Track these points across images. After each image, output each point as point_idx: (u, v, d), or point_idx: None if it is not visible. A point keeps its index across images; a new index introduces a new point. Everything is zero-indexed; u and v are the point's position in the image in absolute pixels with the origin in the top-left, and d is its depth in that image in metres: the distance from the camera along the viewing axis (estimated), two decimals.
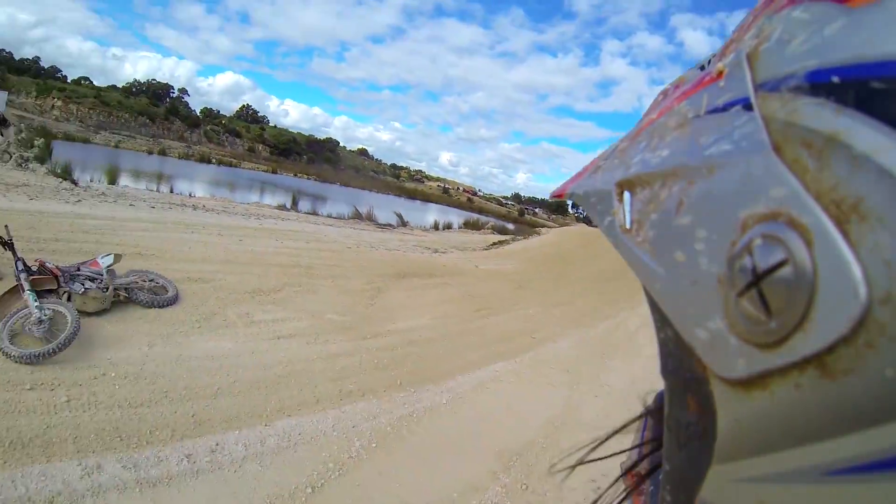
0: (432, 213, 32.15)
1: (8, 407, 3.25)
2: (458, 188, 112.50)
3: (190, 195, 14.59)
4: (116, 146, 33.10)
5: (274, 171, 47.80)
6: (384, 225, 17.67)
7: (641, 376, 5.88)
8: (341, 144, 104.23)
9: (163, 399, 3.74)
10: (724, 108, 0.25)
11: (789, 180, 0.21)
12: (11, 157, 11.67)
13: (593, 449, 0.45)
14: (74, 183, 10.83)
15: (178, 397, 3.80)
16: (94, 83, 73.17)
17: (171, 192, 14.49)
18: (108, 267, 4.94)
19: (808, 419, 0.20)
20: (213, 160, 41.42)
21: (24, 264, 4.31)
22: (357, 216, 17.69)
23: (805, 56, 0.22)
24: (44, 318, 3.98)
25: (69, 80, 71.40)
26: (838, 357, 0.19)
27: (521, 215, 65.11)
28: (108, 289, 4.72)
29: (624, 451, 0.46)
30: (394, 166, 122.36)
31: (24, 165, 11.42)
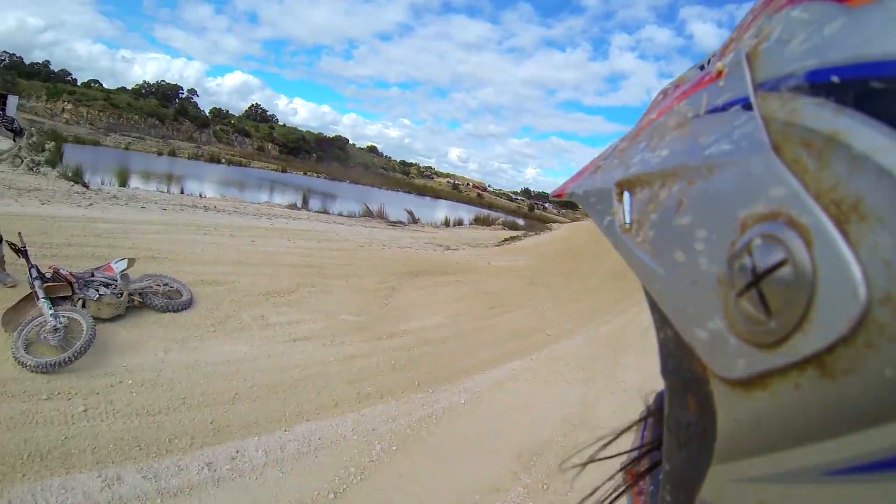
0: (443, 210, 32.19)
1: (25, 418, 3.21)
2: (467, 184, 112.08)
3: (200, 196, 14.61)
4: (126, 148, 33.21)
5: (284, 170, 47.87)
6: (395, 222, 17.60)
7: (656, 373, 5.75)
8: (350, 142, 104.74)
9: (181, 406, 3.69)
10: (724, 108, 0.25)
11: (789, 180, 0.21)
12: (23, 161, 11.69)
13: (603, 447, 0.45)
14: (86, 186, 10.83)
15: (196, 404, 3.76)
16: (104, 85, 73.70)
17: (182, 193, 14.51)
18: (122, 272, 4.90)
19: (807, 419, 0.20)
20: (223, 160, 41.54)
21: (38, 271, 4.28)
22: (368, 214, 17.66)
23: (804, 56, 0.22)
24: (59, 325, 3.93)
25: (79, 83, 71.81)
26: (838, 357, 0.19)
27: (531, 210, 64.69)
28: (122, 294, 4.68)
29: (633, 450, 0.45)
30: (403, 163, 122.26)
31: (35, 169, 11.42)
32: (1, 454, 2.92)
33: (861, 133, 0.19)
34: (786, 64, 0.23)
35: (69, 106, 53.46)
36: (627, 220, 0.30)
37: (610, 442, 0.45)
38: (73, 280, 4.51)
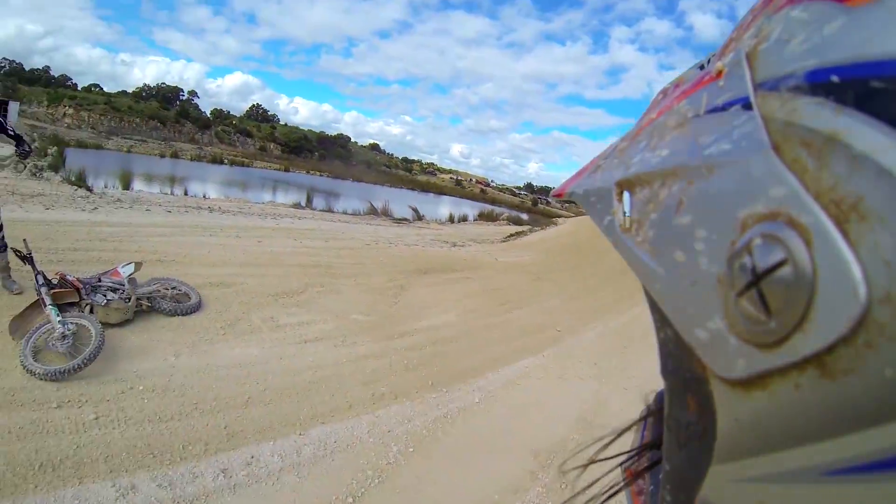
0: (446, 206, 32.11)
1: (35, 427, 3.16)
2: (470, 179, 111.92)
3: (204, 197, 14.55)
4: (129, 151, 33.27)
5: (286, 170, 47.84)
6: (400, 219, 17.53)
7: None
8: (352, 140, 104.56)
9: (193, 411, 3.64)
10: (724, 108, 0.26)
11: (789, 180, 0.21)
12: (26, 167, 11.69)
13: (605, 447, 0.45)
14: (89, 190, 10.79)
15: (209, 409, 3.70)
16: (105, 89, 73.86)
17: (186, 194, 14.44)
18: (129, 276, 4.85)
19: (807, 419, 0.20)
20: (226, 161, 41.59)
21: (45, 278, 4.23)
22: (373, 212, 17.59)
23: (804, 55, 0.22)
24: (67, 332, 3.88)
25: (79, 88, 71.88)
26: (838, 357, 0.19)
27: (534, 205, 64.60)
28: (130, 299, 4.62)
29: (633, 450, 0.45)
30: (405, 160, 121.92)
31: (38, 175, 11.38)
32: (12, 464, 2.87)
33: (861, 133, 0.19)
34: (786, 64, 0.23)
35: (70, 111, 53.56)
36: (627, 220, 0.30)
37: (611, 442, 0.46)
38: (81, 286, 4.47)
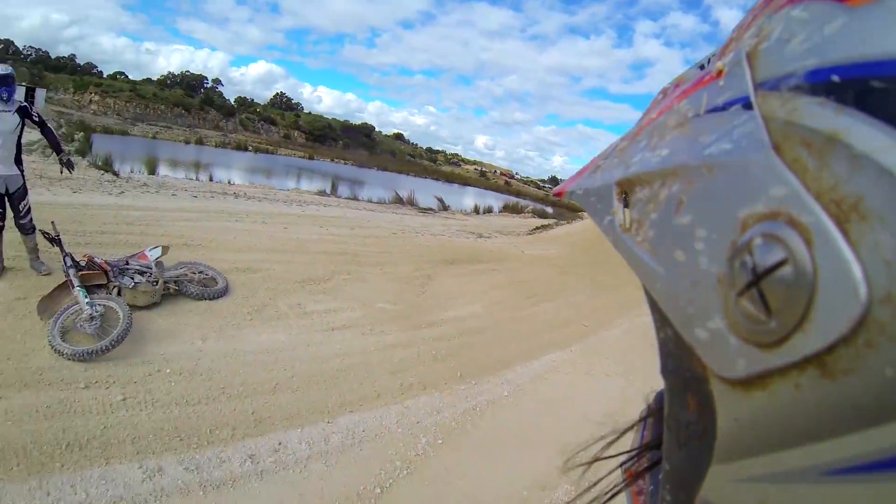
0: (471, 197, 32.05)
1: (63, 407, 3.18)
2: (494, 171, 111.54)
3: (230, 183, 14.71)
4: (154, 137, 33.62)
5: (311, 157, 47.99)
6: (426, 209, 17.53)
7: None
8: (377, 129, 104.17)
9: (220, 396, 3.64)
10: (724, 108, 0.26)
11: (789, 180, 0.21)
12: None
13: (608, 445, 0.45)
14: (116, 174, 10.97)
15: (236, 394, 3.70)
16: (130, 77, 74.56)
17: (211, 180, 14.58)
18: (156, 259, 4.88)
19: (807, 419, 0.20)
20: (250, 148, 41.90)
21: (73, 259, 4.27)
22: (398, 201, 17.62)
23: (805, 55, 0.22)
24: (95, 314, 3.91)
25: (105, 76, 72.94)
26: (838, 357, 0.19)
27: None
28: (158, 282, 4.65)
29: (633, 450, 0.44)
30: (430, 150, 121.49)
31: None
32: (39, 443, 2.89)
33: (861, 132, 0.19)
34: (786, 63, 0.23)
35: (96, 97, 54.38)
36: (627, 220, 0.30)
37: (613, 441, 0.45)
38: (108, 268, 4.50)
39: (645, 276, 0.28)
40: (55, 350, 3.58)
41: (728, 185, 0.23)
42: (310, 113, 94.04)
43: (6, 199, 4.59)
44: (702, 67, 0.32)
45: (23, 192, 4.68)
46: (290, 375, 4.07)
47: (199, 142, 37.64)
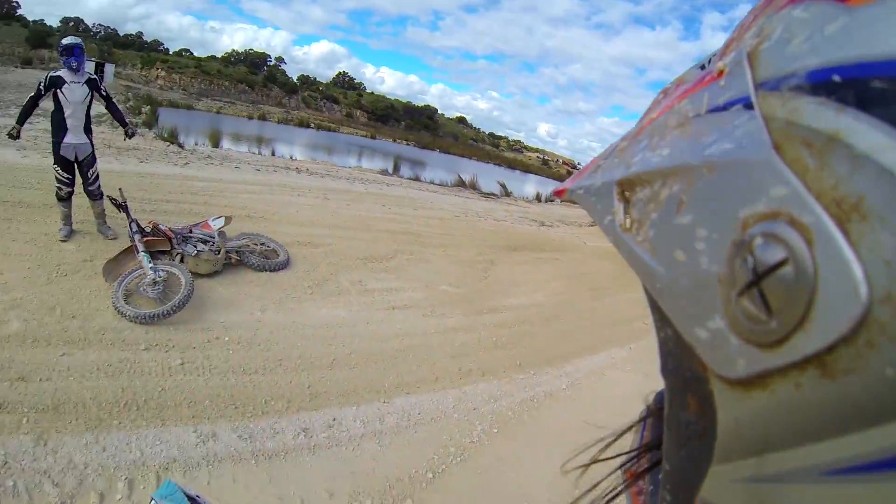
0: (533, 184, 31.70)
1: (124, 366, 3.34)
2: (557, 160, 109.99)
3: (292, 158, 15.10)
4: (218, 112, 34.76)
5: (373, 137, 48.41)
6: (488, 194, 17.53)
7: None
8: (439, 112, 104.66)
9: (277, 367, 3.74)
10: (725, 107, 0.26)
11: (790, 179, 0.21)
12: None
13: (606, 446, 0.45)
14: (181, 146, 11.45)
15: (293, 366, 3.79)
16: (195, 54, 78.00)
17: (273, 154, 14.98)
18: (219, 229, 5.08)
19: (808, 419, 0.21)
20: (312, 125, 42.60)
21: (138, 225, 4.50)
22: (461, 184, 17.67)
23: (806, 55, 0.22)
24: (158, 279, 4.10)
25: (171, 53, 76.67)
26: (838, 357, 0.19)
27: None
28: (220, 251, 4.82)
29: (633, 451, 0.44)
30: (492, 135, 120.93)
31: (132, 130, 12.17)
32: (98, 400, 3.05)
33: (862, 132, 0.19)
34: (787, 63, 0.23)
35: (163, 73, 56.97)
36: (628, 220, 0.31)
37: (612, 442, 0.46)
38: (172, 235, 4.72)
39: (645, 276, 0.29)
40: (118, 311, 3.76)
41: (729, 185, 0.24)
42: (372, 93, 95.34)
43: (76, 166, 4.89)
44: (703, 67, 0.33)
45: (92, 159, 4.98)
46: (349, 352, 4.14)
47: (262, 117, 38.65)
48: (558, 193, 0.39)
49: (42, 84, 4.68)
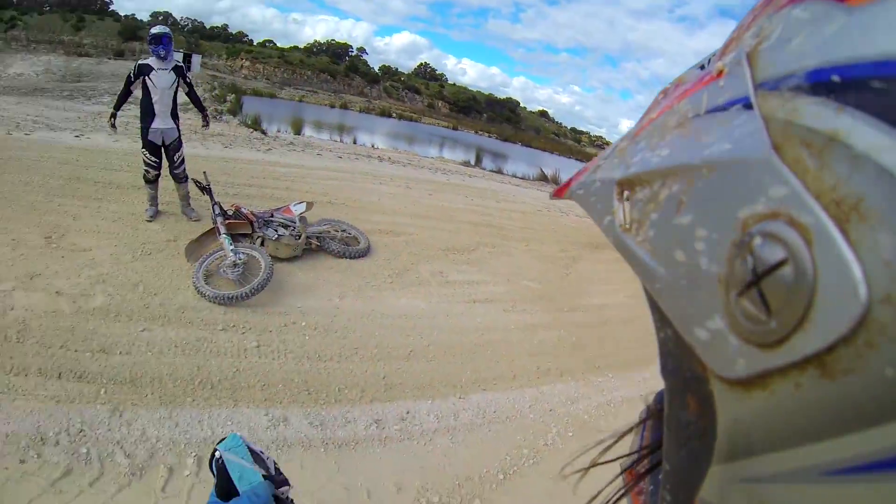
0: None
1: (201, 345, 3.48)
2: None
3: (373, 147, 15.43)
4: (300, 100, 36.12)
5: (454, 128, 48.99)
6: None
7: None
8: (521, 105, 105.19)
9: (353, 356, 3.79)
10: (724, 108, 0.26)
11: (789, 180, 0.22)
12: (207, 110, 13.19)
13: (605, 450, 0.46)
14: (264, 133, 11.92)
15: (370, 356, 3.83)
16: (278, 45, 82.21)
17: (355, 143, 15.40)
18: (300, 214, 5.21)
19: (808, 419, 0.21)
20: (394, 114, 43.59)
21: (221, 208, 4.67)
22: (543, 178, 17.59)
23: (805, 55, 0.23)
24: (238, 261, 4.25)
25: (255, 43, 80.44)
26: (838, 357, 0.19)
27: None
28: (300, 236, 4.95)
29: (634, 452, 0.46)
30: (574, 130, 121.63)
31: (217, 117, 12.86)
32: (174, 376, 3.19)
33: (862, 132, 0.19)
34: (786, 63, 0.24)
35: (247, 63, 60.01)
36: (627, 220, 0.31)
37: (611, 445, 0.47)
38: (254, 218, 4.88)
39: (645, 276, 0.29)
40: (198, 291, 3.93)
41: (728, 185, 0.24)
42: (454, 84, 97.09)
43: (163, 150, 5.20)
44: (702, 68, 0.33)
45: (178, 144, 5.29)
46: (427, 344, 4.15)
47: (344, 106, 39.76)
48: (558, 193, 0.40)
49: (132, 72, 5.02)
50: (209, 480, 2.48)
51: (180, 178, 5.36)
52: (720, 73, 0.28)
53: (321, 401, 3.32)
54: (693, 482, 0.29)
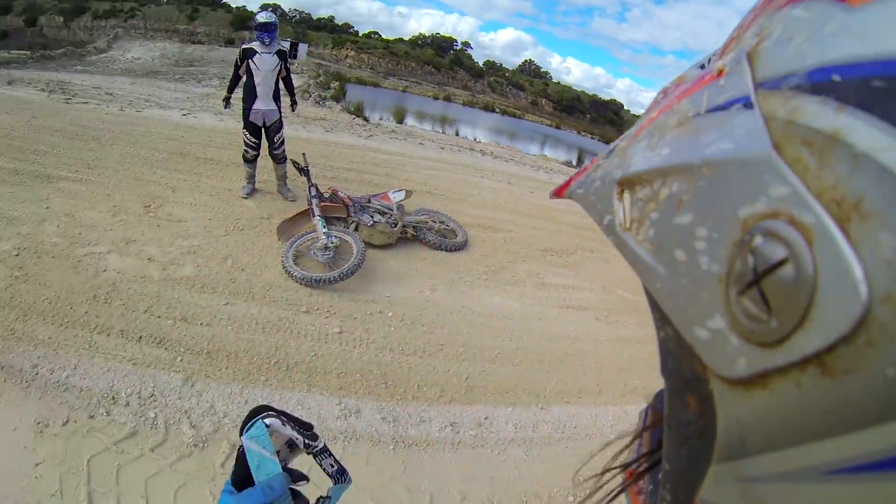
0: None
1: (282, 324, 3.50)
2: None
3: (475, 140, 15.51)
4: (404, 90, 36.99)
5: (557, 126, 49.15)
6: None
7: None
8: (625, 107, 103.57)
9: (437, 352, 3.70)
10: (725, 107, 0.27)
11: (790, 179, 0.22)
12: (311, 95, 13.61)
13: (617, 455, 0.47)
14: (366, 120, 12.21)
15: (455, 354, 3.74)
16: (383, 37, 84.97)
17: (457, 135, 15.55)
18: (398, 202, 5.18)
19: (808, 418, 0.21)
20: (497, 109, 43.99)
21: (317, 190, 4.73)
22: None
23: (805, 54, 0.23)
24: (330, 244, 4.25)
25: (360, 34, 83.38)
26: (839, 356, 0.20)
27: None
28: (396, 224, 4.92)
29: (641, 457, 0.46)
30: None
31: (321, 103, 13.24)
32: (251, 353, 3.21)
33: (862, 132, 0.20)
34: (787, 63, 0.24)
35: (352, 53, 62.15)
36: (628, 219, 0.31)
37: (621, 451, 0.47)
38: (350, 203, 4.89)
39: (645, 276, 0.29)
40: (286, 271, 3.96)
41: (729, 185, 0.24)
42: (558, 83, 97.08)
43: (264, 131, 5.39)
44: (702, 67, 0.33)
45: (278, 125, 5.45)
46: (515, 347, 4.01)
47: (447, 98, 40.29)
48: (557, 193, 0.41)
49: (238, 57, 5.26)
50: None
51: (279, 159, 5.52)
52: (721, 72, 0.28)
53: (398, 396, 3.26)
54: (693, 482, 0.29)
